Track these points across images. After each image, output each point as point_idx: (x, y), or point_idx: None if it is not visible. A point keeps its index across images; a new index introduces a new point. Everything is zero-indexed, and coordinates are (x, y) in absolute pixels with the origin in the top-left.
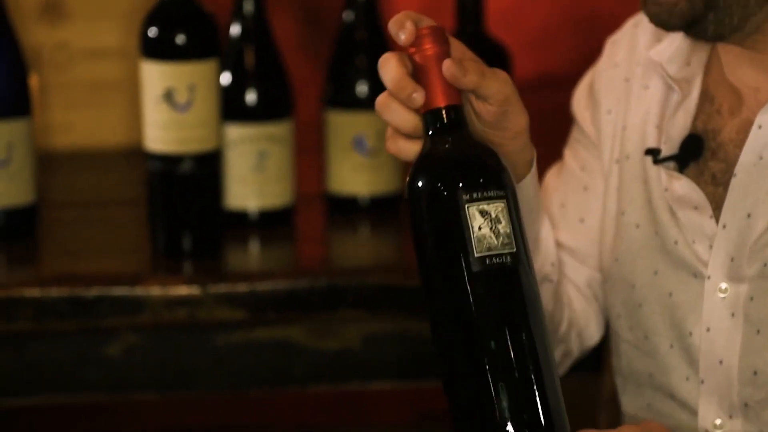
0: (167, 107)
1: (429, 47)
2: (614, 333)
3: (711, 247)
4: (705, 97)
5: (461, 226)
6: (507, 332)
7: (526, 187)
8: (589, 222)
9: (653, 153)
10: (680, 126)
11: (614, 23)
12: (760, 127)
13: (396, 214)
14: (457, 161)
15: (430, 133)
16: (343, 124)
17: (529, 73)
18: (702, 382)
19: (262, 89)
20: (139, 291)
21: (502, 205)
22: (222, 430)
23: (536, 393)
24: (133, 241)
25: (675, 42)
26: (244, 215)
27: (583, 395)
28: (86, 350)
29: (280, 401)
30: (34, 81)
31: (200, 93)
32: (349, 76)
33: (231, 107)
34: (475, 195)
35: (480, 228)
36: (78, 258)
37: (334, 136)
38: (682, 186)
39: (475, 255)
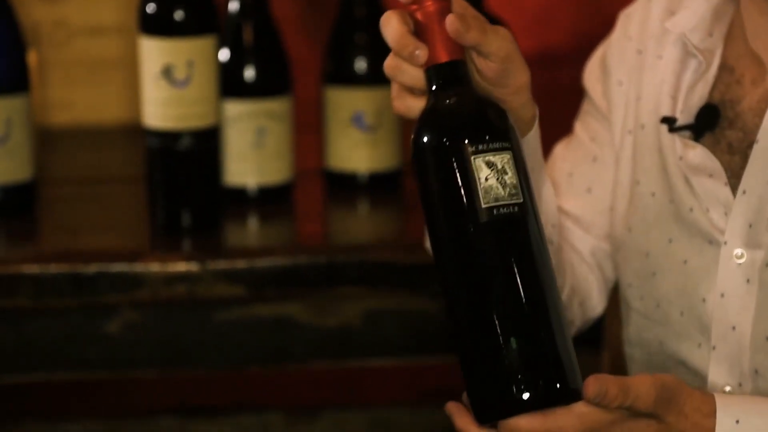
0: (166, 84)
1: (430, 3)
2: (624, 303)
3: (726, 214)
4: (724, 68)
5: (468, 178)
6: (516, 282)
7: (527, 144)
8: (596, 192)
9: (669, 121)
10: (699, 96)
11: (615, 1)
12: None
13: (395, 190)
14: (462, 114)
15: (434, 88)
16: (342, 101)
17: (529, 51)
18: (713, 348)
19: (261, 65)
20: (138, 267)
21: (508, 156)
22: (221, 406)
23: (547, 342)
24: (132, 218)
25: (698, 12)
26: (243, 191)
27: (583, 372)
28: (85, 327)
29: (279, 378)
30: (32, 58)
31: (199, 69)
32: (348, 52)
33: (230, 83)
34: (480, 147)
35: (487, 179)
36: (77, 235)
37: (333, 112)
38: (697, 154)
39: (483, 206)
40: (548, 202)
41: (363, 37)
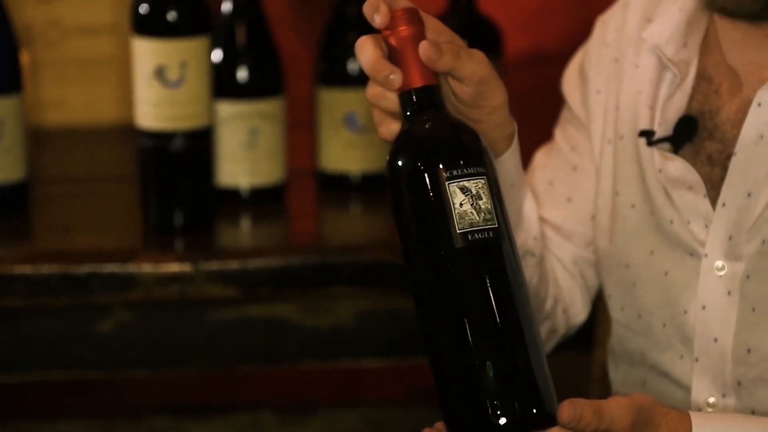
0: (158, 84)
1: (403, 29)
2: (608, 312)
3: (706, 226)
4: (702, 77)
5: (442, 204)
6: (491, 307)
7: (506, 161)
8: (576, 201)
9: (647, 135)
10: (676, 107)
11: (608, 1)
12: (759, 104)
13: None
14: (436, 140)
15: (408, 113)
16: (334, 102)
17: (521, 51)
18: (696, 360)
19: (254, 66)
20: (131, 268)
21: (483, 181)
22: (213, 406)
23: (523, 366)
24: (124, 218)
25: (671, 23)
26: (236, 192)
27: (574, 374)
28: (78, 327)
29: (271, 378)
30: (25, 57)
31: (191, 70)
32: (340, 53)
33: (222, 84)
34: (455, 172)
35: (461, 204)
36: (69, 234)
37: (325, 113)
38: (676, 167)
39: (458, 231)
40: (530, 215)
41: (356, 38)
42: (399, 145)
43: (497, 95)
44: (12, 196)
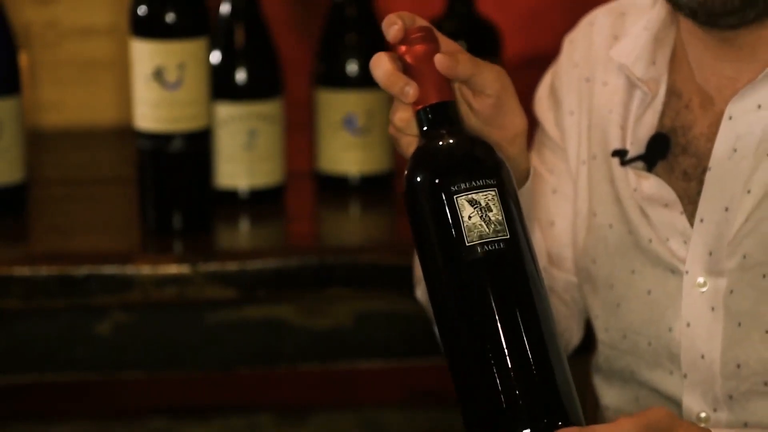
0: (157, 85)
1: (419, 46)
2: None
3: (685, 243)
4: (672, 93)
5: (452, 218)
6: (506, 317)
7: (521, 197)
8: (559, 225)
9: (620, 154)
10: (648, 126)
11: (604, 3)
12: (730, 118)
13: (386, 192)
14: (446, 154)
15: (425, 128)
16: (333, 103)
17: (519, 53)
18: (685, 376)
19: (252, 68)
20: (129, 269)
21: (492, 193)
22: (211, 407)
23: (547, 375)
24: (123, 220)
25: (638, 41)
26: (234, 194)
27: (576, 376)
28: (76, 328)
29: (269, 379)
30: (23, 59)
31: (190, 71)
32: (339, 54)
33: (221, 86)
34: (463, 185)
35: (470, 217)
36: (67, 236)
37: (324, 114)
38: (651, 185)
39: (467, 244)
40: (537, 249)
41: (354, 39)
42: (414, 162)
43: (517, 118)
44: (10, 198)
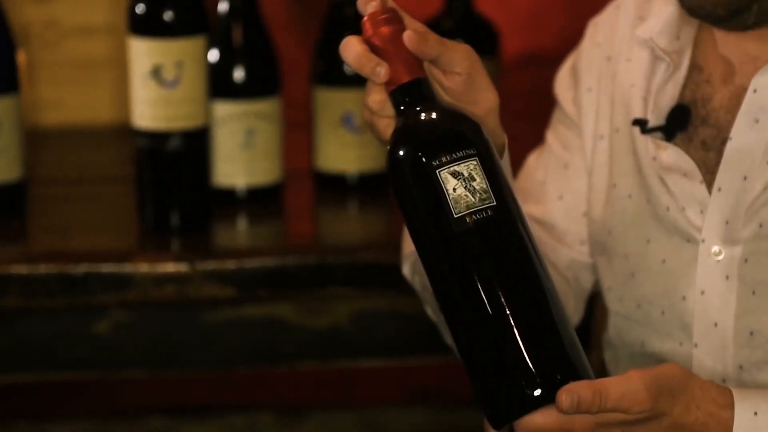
0: (155, 84)
1: (384, 28)
2: (606, 306)
3: (702, 212)
4: (694, 67)
5: (437, 193)
6: (505, 283)
7: None
8: (567, 199)
9: (640, 123)
10: (669, 97)
11: (604, 2)
12: (755, 90)
13: (385, 191)
14: (423, 130)
15: (401, 108)
16: (331, 101)
17: (518, 52)
18: (696, 345)
19: (251, 66)
20: (128, 268)
21: (474, 162)
22: (210, 406)
23: (554, 333)
24: (121, 218)
25: (663, 18)
26: (233, 192)
27: None
28: (74, 327)
29: (268, 378)
30: (22, 58)
31: (188, 70)
32: (337, 52)
33: (219, 84)
34: (444, 159)
35: (455, 189)
36: (66, 235)
37: (322, 113)
38: (670, 155)
39: (455, 216)
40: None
41: None
42: (393, 142)
43: (489, 94)
44: (8, 197)
